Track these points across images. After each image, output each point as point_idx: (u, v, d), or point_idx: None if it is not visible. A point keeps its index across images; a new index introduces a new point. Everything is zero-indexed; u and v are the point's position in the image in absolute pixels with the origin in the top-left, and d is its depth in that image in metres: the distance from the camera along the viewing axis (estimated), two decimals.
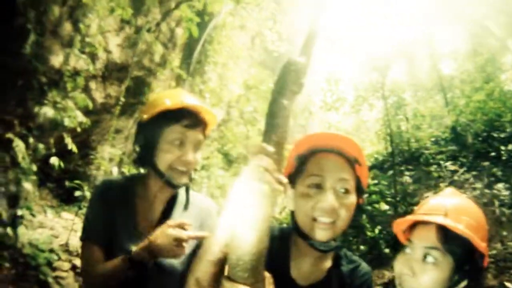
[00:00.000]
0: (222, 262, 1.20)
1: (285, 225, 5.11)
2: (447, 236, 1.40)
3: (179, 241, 1.59)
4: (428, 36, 10.90)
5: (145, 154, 1.90)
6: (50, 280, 4.91)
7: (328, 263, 1.62)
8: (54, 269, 5.08)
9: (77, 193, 5.58)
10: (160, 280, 1.80)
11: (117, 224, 1.87)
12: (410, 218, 1.55)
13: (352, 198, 1.51)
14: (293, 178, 1.58)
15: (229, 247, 1.14)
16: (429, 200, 1.60)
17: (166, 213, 1.93)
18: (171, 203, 1.98)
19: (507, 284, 5.02)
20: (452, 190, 1.64)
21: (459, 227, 1.38)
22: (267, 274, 1.19)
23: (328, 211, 1.44)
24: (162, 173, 1.85)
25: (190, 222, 1.75)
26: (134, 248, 1.66)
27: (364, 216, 6.91)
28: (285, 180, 1.21)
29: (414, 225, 1.54)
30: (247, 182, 1.13)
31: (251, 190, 1.12)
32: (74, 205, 6.45)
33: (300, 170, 1.56)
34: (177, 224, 1.63)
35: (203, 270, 1.23)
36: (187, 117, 1.87)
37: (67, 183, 5.53)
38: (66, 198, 6.63)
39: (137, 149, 1.94)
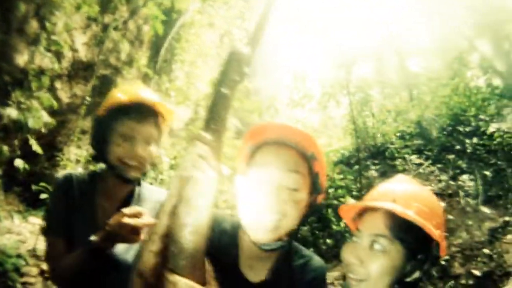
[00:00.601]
0: (163, 252, 1.14)
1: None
2: (395, 223, 1.33)
3: (134, 230, 1.56)
4: (396, 33, 11.13)
5: (99, 149, 1.92)
6: (19, 286, 4.77)
7: (278, 259, 1.55)
8: (22, 274, 4.93)
9: (43, 196, 5.40)
10: (117, 276, 1.74)
11: (78, 218, 1.87)
12: (356, 205, 1.51)
13: (302, 195, 1.43)
14: (244, 169, 1.52)
15: (169, 237, 1.10)
16: (376, 188, 1.52)
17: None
18: (128, 199, 1.98)
19: (474, 272, 5.15)
20: (403, 177, 1.56)
21: (408, 213, 1.31)
22: (208, 266, 1.17)
23: (272, 207, 1.37)
24: (113, 167, 1.87)
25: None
26: (93, 238, 1.63)
27: (330, 210, 6.98)
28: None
29: (363, 213, 1.47)
30: (183, 170, 1.12)
31: (187, 178, 1.12)
32: (41, 209, 6.26)
33: (250, 161, 1.50)
34: (132, 212, 1.59)
35: (145, 261, 1.16)
36: (137, 111, 1.87)
37: (33, 187, 5.36)
38: (32, 202, 6.42)
39: (94, 145, 1.95)
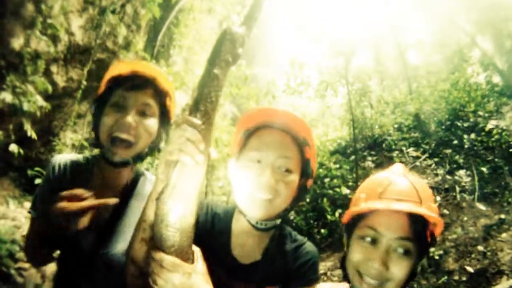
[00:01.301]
0: (153, 239, 1.14)
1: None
2: (418, 225, 1.32)
3: (72, 214, 1.38)
4: (396, 25, 11.07)
5: (95, 130, 1.71)
6: (12, 271, 4.76)
7: (271, 242, 1.56)
8: (16, 260, 4.92)
9: (39, 181, 5.36)
10: (107, 272, 1.68)
11: None
12: (384, 207, 1.35)
13: (293, 177, 1.45)
14: (238, 153, 1.53)
15: (156, 219, 1.08)
16: (390, 182, 1.42)
17: (122, 206, 1.73)
18: (126, 193, 1.78)
19: (467, 268, 5.19)
20: (401, 167, 1.51)
21: (435, 216, 1.31)
22: (195, 248, 1.15)
23: (265, 187, 1.39)
24: (102, 145, 1.67)
25: None
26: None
27: (325, 200, 7.00)
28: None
29: (371, 211, 1.41)
30: (170, 154, 1.08)
31: (174, 162, 1.08)
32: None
33: (245, 145, 1.51)
34: (70, 194, 1.40)
35: (136, 248, 1.21)
36: (133, 80, 1.69)
37: (29, 172, 5.31)
38: (28, 188, 6.39)
39: (93, 129, 1.73)
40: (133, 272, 1.24)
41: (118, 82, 1.70)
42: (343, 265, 1.47)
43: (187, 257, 1.09)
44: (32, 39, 5.20)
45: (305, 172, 1.52)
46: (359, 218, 1.42)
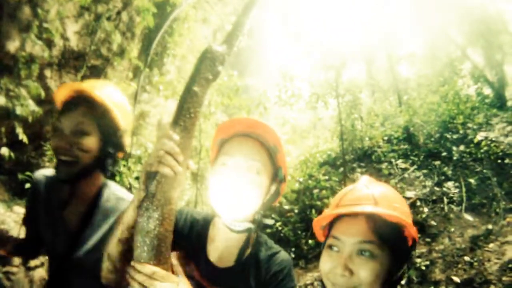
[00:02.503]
0: (129, 241, 1.26)
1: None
2: (380, 227, 1.33)
3: None
4: (387, 37, 11.20)
5: None
6: (0, 275, 4.72)
7: (245, 247, 1.61)
8: (4, 263, 4.88)
9: (28, 186, 5.34)
10: (78, 276, 1.82)
11: (44, 221, 1.90)
12: (335, 212, 1.42)
13: (262, 180, 1.52)
14: (214, 160, 1.63)
15: (137, 226, 1.18)
16: (348, 191, 1.49)
17: (86, 220, 1.86)
18: (92, 206, 1.89)
19: (454, 278, 5.21)
20: (369, 178, 1.54)
21: (394, 214, 1.32)
22: (173, 255, 1.30)
23: (231, 187, 1.47)
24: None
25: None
26: None
27: (313, 211, 7.03)
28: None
29: (333, 220, 1.46)
30: (150, 165, 1.18)
31: (153, 174, 1.17)
32: (26, 198, 6.18)
33: (220, 152, 1.60)
34: None
35: (112, 247, 1.33)
36: (68, 103, 1.81)
37: (19, 175, 5.29)
38: (18, 191, 6.34)
39: None
40: (109, 267, 1.36)
41: (62, 107, 1.83)
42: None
43: (165, 261, 1.18)
44: (28, 43, 5.21)
45: (276, 176, 1.60)
46: (329, 231, 1.48)
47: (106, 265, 1.37)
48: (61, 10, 5.57)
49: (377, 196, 1.39)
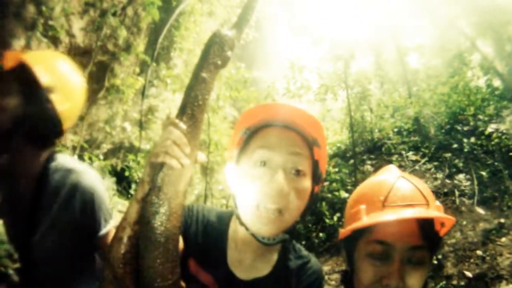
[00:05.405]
0: (133, 240, 1.13)
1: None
2: (428, 231, 1.22)
3: None
4: (396, 29, 11.08)
5: None
6: (11, 271, 4.74)
7: (273, 257, 1.41)
8: (15, 260, 4.90)
9: None
10: (38, 271, 1.80)
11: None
12: (388, 219, 1.18)
13: (306, 183, 1.29)
14: (238, 155, 1.37)
15: (143, 221, 1.09)
16: (392, 188, 1.27)
17: (36, 200, 1.74)
18: (39, 184, 1.75)
19: (466, 272, 5.15)
20: (395, 168, 1.40)
21: (446, 216, 1.20)
22: (181, 253, 1.17)
23: (275, 194, 1.21)
24: None
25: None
26: None
27: (324, 204, 7.00)
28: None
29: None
30: (156, 156, 1.09)
31: (159, 165, 1.09)
32: None
33: (247, 145, 1.35)
34: None
35: (114, 250, 1.16)
36: None
37: None
38: None
39: None
40: (109, 276, 1.18)
41: None
42: (347, 283, 1.38)
43: (172, 260, 1.09)
44: (33, 41, 5.21)
45: (315, 176, 1.35)
46: (360, 232, 1.28)
47: (107, 274, 1.19)
48: (66, 7, 5.57)
49: (426, 195, 1.24)
